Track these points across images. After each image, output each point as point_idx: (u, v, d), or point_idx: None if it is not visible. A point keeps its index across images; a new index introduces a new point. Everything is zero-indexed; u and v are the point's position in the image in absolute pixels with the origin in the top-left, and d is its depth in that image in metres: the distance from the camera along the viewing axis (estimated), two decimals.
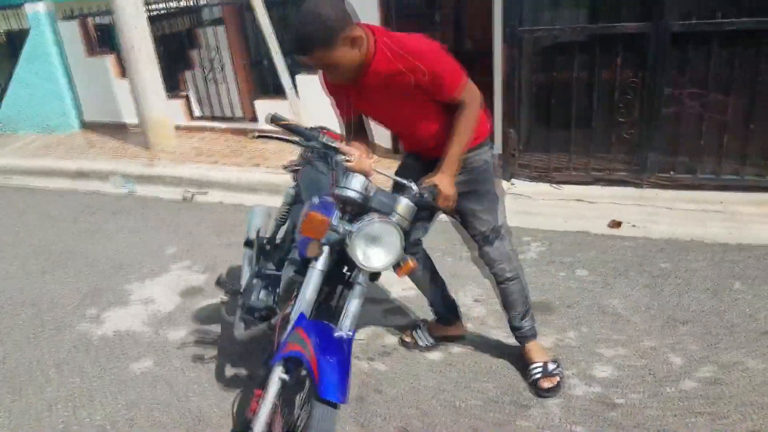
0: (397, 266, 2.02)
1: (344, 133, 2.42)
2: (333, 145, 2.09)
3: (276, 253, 2.85)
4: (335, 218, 2.02)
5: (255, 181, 5.24)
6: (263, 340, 2.36)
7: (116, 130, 7.15)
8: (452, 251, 3.77)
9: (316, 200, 2.24)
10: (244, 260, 2.95)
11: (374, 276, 2.08)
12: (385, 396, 2.60)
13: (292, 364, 1.90)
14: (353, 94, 2.22)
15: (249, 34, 6.98)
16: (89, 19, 7.05)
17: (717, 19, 3.80)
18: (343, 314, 2.02)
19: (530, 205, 4.38)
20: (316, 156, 2.42)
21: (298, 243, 2.31)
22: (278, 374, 1.88)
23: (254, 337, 2.43)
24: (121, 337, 3.23)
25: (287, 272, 2.39)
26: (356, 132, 2.38)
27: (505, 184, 4.69)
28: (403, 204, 2.02)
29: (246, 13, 6.62)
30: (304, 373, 1.93)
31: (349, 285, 2.11)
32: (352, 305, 2.01)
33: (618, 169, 4.43)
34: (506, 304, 2.58)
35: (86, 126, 7.55)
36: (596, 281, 3.31)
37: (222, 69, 6.69)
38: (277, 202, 4.76)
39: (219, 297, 2.85)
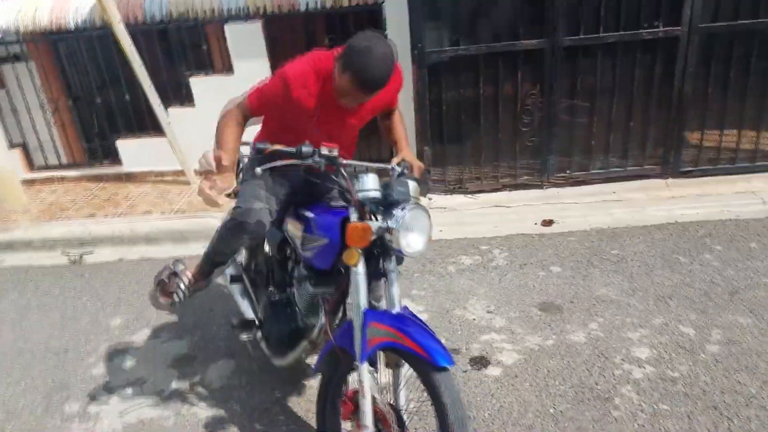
0: None
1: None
2: (333, 154, 2.12)
3: (273, 277, 2.80)
4: (354, 219, 2.08)
5: (153, 231, 4.61)
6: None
7: None
8: (432, 270, 3.75)
9: (308, 216, 2.35)
10: (237, 295, 2.91)
11: (400, 259, 2.15)
12: None
13: (374, 356, 2.05)
14: (324, 115, 2.29)
15: (63, 71, 6.15)
16: None
17: (600, 33, 4.34)
18: (390, 300, 2.08)
19: (458, 216, 4.54)
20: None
21: (311, 258, 2.32)
22: (367, 370, 2.01)
23: (296, 357, 2.57)
24: (146, 424, 2.67)
25: (304, 290, 2.48)
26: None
27: (423, 200, 4.78)
28: (413, 186, 2.14)
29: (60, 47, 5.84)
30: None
31: (378, 275, 2.13)
32: (395, 289, 2.08)
33: (522, 174, 4.80)
34: None
35: None
36: (574, 275, 3.56)
37: (56, 110, 5.77)
38: (184, 250, 4.32)
39: (240, 338, 2.74)
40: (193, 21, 5.25)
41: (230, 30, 4.97)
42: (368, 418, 2.00)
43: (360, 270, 2.05)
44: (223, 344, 3.22)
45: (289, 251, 2.69)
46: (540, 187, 4.79)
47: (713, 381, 2.66)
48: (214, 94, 4.41)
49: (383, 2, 4.89)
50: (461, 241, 4.14)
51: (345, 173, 2.12)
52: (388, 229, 2.00)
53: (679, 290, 3.33)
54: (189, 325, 3.41)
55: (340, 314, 2.47)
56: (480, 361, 2.86)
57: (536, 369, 2.79)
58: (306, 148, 2.09)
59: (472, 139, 4.74)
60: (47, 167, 5.73)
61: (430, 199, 4.79)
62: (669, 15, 4.27)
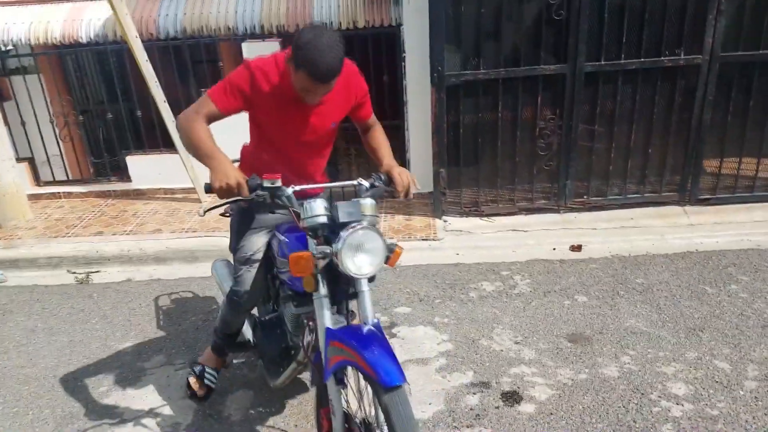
0: (386, 260, 2.04)
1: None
2: (275, 185, 2.08)
3: (264, 298, 2.79)
4: (313, 247, 2.03)
5: (163, 250, 4.45)
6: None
7: None
8: (453, 295, 3.61)
9: (281, 239, 2.36)
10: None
11: (371, 278, 2.06)
12: None
13: (341, 373, 2.01)
14: (291, 114, 2.29)
15: (73, 85, 6.04)
16: None
17: (621, 60, 4.25)
18: (362, 314, 2.02)
19: (475, 239, 4.41)
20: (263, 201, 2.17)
21: (288, 280, 2.30)
22: (334, 387, 2.00)
23: (289, 378, 2.59)
24: None
25: (288, 310, 2.46)
26: None
27: (438, 222, 4.67)
28: (368, 204, 2.05)
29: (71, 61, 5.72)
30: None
31: (353, 295, 2.08)
32: (366, 305, 1.99)
33: (539, 198, 4.68)
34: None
35: None
36: (600, 305, 3.43)
37: (65, 124, 5.63)
38: (194, 270, 4.17)
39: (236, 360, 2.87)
40: (208, 38, 5.15)
41: (248, 48, 4.86)
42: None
43: (321, 294, 2.04)
44: (240, 373, 3.05)
45: (275, 270, 2.61)
46: (556, 211, 4.68)
47: (755, 420, 2.51)
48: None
49: (401, 25, 4.80)
50: (480, 266, 4.01)
51: (288, 202, 2.09)
52: (333, 254, 1.94)
53: (709, 322, 3.20)
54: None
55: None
56: (512, 397, 2.71)
57: (571, 405, 2.64)
58: (252, 181, 2.07)
59: (488, 162, 4.62)
60: (54, 182, 5.57)
61: (445, 221, 4.67)
62: (691, 43, 4.20)
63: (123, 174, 5.48)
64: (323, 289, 2.03)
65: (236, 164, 2.31)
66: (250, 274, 2.49)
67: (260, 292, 2.56)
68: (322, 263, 1.99)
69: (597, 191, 4.65)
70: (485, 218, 4.68)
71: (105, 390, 2.96)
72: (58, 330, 3.55)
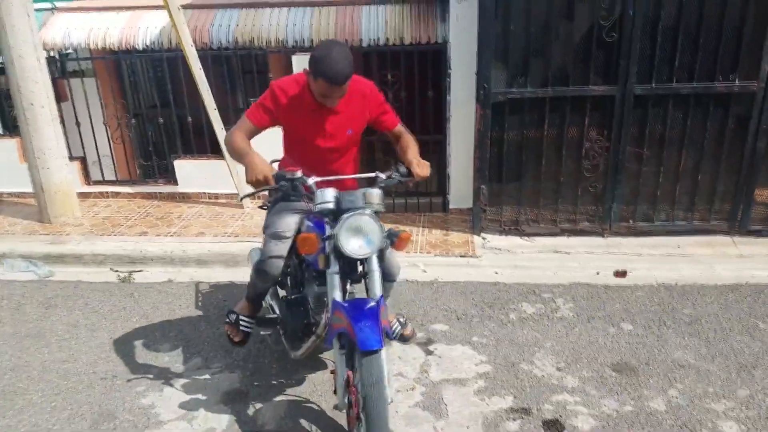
0: (393, 244, 2.32)
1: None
2: (295, 176, 2.36)
3: (292, 280, 3.00)
4: (327, 229, 2.30)
5: (205, 253, 4.43)
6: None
7: None
8: (492, 315, 3.49)
9: (308, 224, 2.63)
10: (267, 297, 3.08)
11: (382, 258, 2.33)
12: None
13: (346, 340, 2.22)
14: (316, 119, 2.62)
15: (127, 89, 6.11)
16: None
17: (673, 83, 4.09)
18: (370, 291, 2.30)
19: (515, 259, 4.28)
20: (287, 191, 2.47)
21: (312, 262, 2.57)
22: (337, 350, 2.25)
23: (309, 350, 2.76)
24: None
25: (311, 290, 2.70)
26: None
27: (477, 239, 4.55)
28: (374, 193, 2.29)
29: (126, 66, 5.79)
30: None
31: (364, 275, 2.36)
32: (374, 283, 2.27)
33: (582, 220, 4.52)
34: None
35: None
36: (647, 334, 3.26)
37: (119, 127, 5.70)
38: (234, 274, 4.13)
39: (262, 332, 3.10)
40: (258, 49, 5.16)
41: (297, 60, 4.84)
42: (340, 393, 2.25)
43: (332, 271, 2.30)
44: (276, 381, 2.99)
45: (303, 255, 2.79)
46: (600, 235, 4.51)
47: None
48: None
49: (447, 42, 4.73)
50: (521, 286, 3.88)
51: (306, 191, 2.37)
52: (333, 236, 2.20)
53: (762, 360, 3.01)
54: (240, 357, 3.19)
55: None
56: (554, 426, 2.57)
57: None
58: (278, 174, 2.36)
59: (531, 181, 4.48)
60: (103, 182, 5.63)
61: (483, 238, 4.55)
62: (746, 69, 4.01)
63: (170, 177, 5.50)
64: (334, 267, 2.29)
65: (275, 164, 2.80)
66: (277, 247, 2.68)
67: (284, 266, 2.73)
68: (328, 244, 2.26)
69: (643, 216, 4.46)
70: (525, 237, 4.54)
71: (142, 390, 2.92)
72: (99, 326, 3.55)
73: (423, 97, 4.99)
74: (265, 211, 2.94)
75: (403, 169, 2.53)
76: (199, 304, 3.83)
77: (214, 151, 5.27)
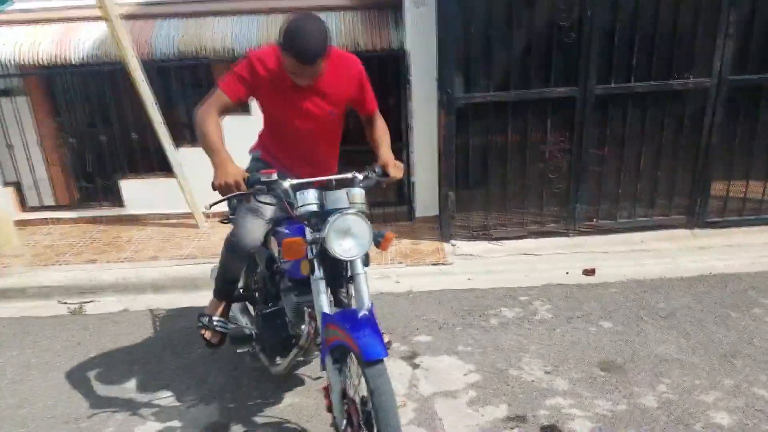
0: (378, 244, 2.21)
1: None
2: (271, 179, 2.18)
3: (263, 293, 2.85)
4: (308, 233, 2.19)
5: (162, 278, 4.20)
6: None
7: None
8: (473, 323, 3.44)
9: (283, 230, 2.50)
10: (236, 313, 3.06)
11: (366, 261, 2.21)
12: None
13: (339, 353, 2.13)
14: (293, 99, 2.44)
15: (62, 107, 5.77)
16: None
17: (632, 83, 4.18)
18: (357, 296, 2.16)
19: (486, 264, 4.25)
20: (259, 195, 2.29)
21: (288, 270, 2.45)
22: (330, 365, 2.14)
23: (291, 364, 2.68)
24: None
25: (289, 300, 2.53)
26: None
27: (447, 246, 4.50)
28: (357, 193, 2.19)
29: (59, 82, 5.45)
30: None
31: (350, 279, 2.24)
32: (362, 289, 2.15)
33: (548, 222, 4.56)
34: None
35: None
36: (626, 331, 3.28)
37: (55, 148, 5.36)
38: (194, 299, 3.93)
39: (238, 351, 2.88)
40: (204, 59, 4.96)
41: None
42: (337, 408, 2.17)
43: (317, 277, 2.18)
44: (257, 409, 2.82)
45: (276, 266, 2.69)
46: (566, 235, 4.55)
47: None
48: (229, 134, 4.06)
49: (401, 48, 4.68)
50: (496, 291, 3.85)
51: (283, 193, 2.20)
52: (320, 239, 2.09)
53: (740, 348, 3.07)
54: (215, 387, 3.00)
55: None
56: (552, 431, 2.53)
57: None
58: (251, 178, 2.18)
59: (497, 186, 4.48)
60: (42, 207, 5.27)
61: (453, 245, 4.51)
62: (700, 66, 4.15)
63: (115, 199, 5.21)
64: (319, 273, 2.18)
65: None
66: (249, 219, 2.54)
67: (258, 240, 2.58)
68: (314, 248, 2.16)
69: (607, 214, 4.54)
70: (494, 242, 4.53)
71: None
72: (54, 365, 3.27)
73: (383, 105, 4.91)
74: (227, 224, 2.81)
75: (378, 169, 2.41)
76: (161, 332, 3.60)
77: (162, 168, 5.02)
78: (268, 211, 2.55)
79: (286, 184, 2.21)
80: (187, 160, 4.82)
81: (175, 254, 4.49)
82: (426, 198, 4.90)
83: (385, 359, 1.95)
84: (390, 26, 4.90)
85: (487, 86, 4.24)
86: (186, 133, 5.08)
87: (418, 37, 4.57)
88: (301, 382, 2.98)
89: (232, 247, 2.60)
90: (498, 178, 4.47)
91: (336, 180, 2.26)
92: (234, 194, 2.24)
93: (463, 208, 4.55)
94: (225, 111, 2.46)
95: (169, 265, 4.33)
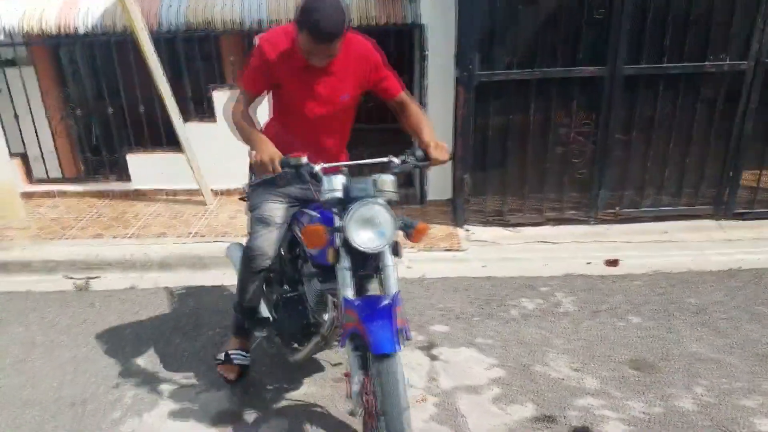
0: (409, 236, 2.08)
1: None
2: (300, 162, 2.12)
3: (283, 277, 2.73)
4: (336, 220, 2.06)
5: (169, 256, 4.06)
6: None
7: None
8: (491, 313, 3.29)
9: (310, 215, 2.38)
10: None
11: (396, 252, 2.08)
12: None
13: (360, 340, 2.00)
14: (306, 81, 2.32)
15: (69, 78, 5.58)
16: None
17: (663, 63, 3.98)
18: (384, 288, 2.06)
19: (502, 251, 4.10)
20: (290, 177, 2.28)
21: (315, 256, 2.30)
22: (350, 351, 2.04)
23: (310, 353, 2.56)
24: None
25: (312, 287, 2.44)
26: None
27: (460, 231, 4.35)
28: (387, 180, 2.06)
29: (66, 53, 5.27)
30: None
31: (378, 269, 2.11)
32: (389, 279, 2.04)
33: (568, 208, 4.39)
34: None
35: None
36: (657, 326, 3.12)
37: (62, 119, 5.20)
38: (202, 278, 3.79)
39: (256, 334, 2.75)
40: (212, 31, 4.76)
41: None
42: (355, 397, 2.04)
43: (344, 266, 2.06)
44: (270, 396, 2.69)
45: (298, 250, 2.58)
46: (587, 222, 4.38)
47: None
48: None
49: (416, 22, 4.46)
50: (514, 280, 3.69)
51: (311, 178, 2.13)
52: (342, 228, 1.98)
53: None
54: None
55: None
56: None
57: None
58: (284, 160, 2.12)
59: (515, 169, 4.30)
60: (48, 180, 5.12)
61: (467, 230, 4.35)
62: (737, 48, 3.94)
63: (122, 173, 5.06)
64: (345, 262, 2.05)
65: None
66: (265, 232, 2.45)
67: (274, 254, 2.50)
68: (340, 236, 2.02)
69: (630, 202, 4.36)
70: (510, 228, 4.37)
71: (118, 417, 2.57)
72: (60, 344, 3.14)
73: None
74: (245, 202, 2.69)
75: (419, 152, 2.23)
76: (169, 312, 3.48)
77: (171, 143, 4.86)
78: (278, 214, 2.48)
79: (317, 167, 2.13)
80: (194, 135, 4.65)
81: (182, 232, 4.35)
82: (438, 180, 4.71)
83: (398, 353, 1.88)
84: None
85: (509, 63, 4.04)
86: (192, 107, 4.89)
87: (436, 10, 4.36)
88: (320, 368, 2.85)
89: (249, 262, 2.51)
90: (516, 161, 4.28)
91: (371, 164, 2.12)
92: (264, 176, 2.25)
93: (478, 192, 4.38)
94: (251, 104, 2.42)
95: (177, 243, 4.20)
